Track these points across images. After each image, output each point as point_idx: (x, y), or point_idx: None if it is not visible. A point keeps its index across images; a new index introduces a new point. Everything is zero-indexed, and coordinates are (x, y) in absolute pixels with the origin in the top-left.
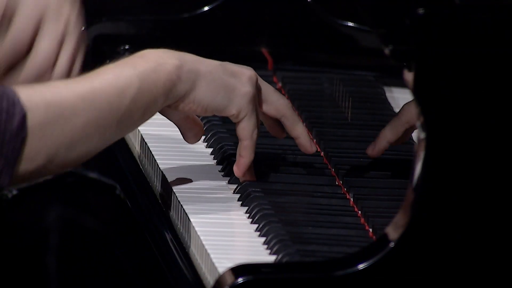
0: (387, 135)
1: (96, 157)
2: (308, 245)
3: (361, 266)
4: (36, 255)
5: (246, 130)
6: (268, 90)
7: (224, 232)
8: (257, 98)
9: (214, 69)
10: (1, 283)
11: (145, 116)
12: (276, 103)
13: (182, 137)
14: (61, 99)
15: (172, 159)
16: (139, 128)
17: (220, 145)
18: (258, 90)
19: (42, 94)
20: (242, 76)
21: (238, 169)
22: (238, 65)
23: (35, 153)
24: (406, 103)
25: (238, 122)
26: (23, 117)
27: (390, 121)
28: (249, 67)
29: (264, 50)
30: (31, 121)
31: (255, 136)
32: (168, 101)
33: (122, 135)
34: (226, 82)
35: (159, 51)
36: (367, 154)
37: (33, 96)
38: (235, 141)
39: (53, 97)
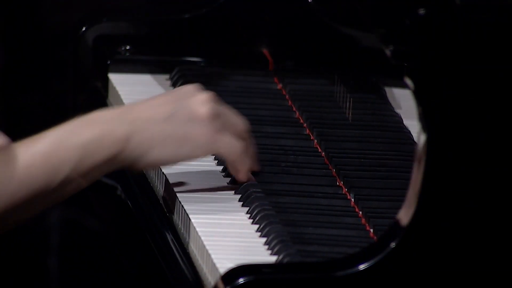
0: None
1: None
2: (309, 245)
3: (362, 267)
4: (37, 254)
5: (231, 155)
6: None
7: (225, 233)
8: (222, 115)
9: (165, 127)
10: (3, 282)
11: (87, 181)
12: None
13: None
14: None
15: None
16: None
17: None
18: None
19: None
20: (196, 115)
21: (242, 178)
22: (191, 99)
23: None
24: None
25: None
26: None
27: None
28: (202, 93)
29: (265, 51)
30: None
31: (240, 150)
32: (113, 167)
33: (62, 199)
34: (180, 135)
35: (111, 114)
36: None
37: None
38: None
39: None
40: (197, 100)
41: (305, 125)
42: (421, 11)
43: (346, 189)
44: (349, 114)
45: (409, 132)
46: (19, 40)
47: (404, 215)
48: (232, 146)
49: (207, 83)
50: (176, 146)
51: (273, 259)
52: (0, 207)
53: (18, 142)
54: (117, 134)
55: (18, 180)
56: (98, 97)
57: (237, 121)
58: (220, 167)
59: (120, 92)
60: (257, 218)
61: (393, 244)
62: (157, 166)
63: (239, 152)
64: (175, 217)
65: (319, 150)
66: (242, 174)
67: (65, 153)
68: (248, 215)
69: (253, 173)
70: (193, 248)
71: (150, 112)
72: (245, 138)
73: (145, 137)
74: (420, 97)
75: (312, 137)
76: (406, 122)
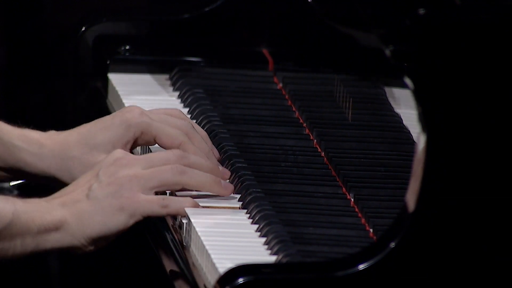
0: None
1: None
2: (308, 245)
3: (361, 267)
4: (38, 255)
5: (162, 207)
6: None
7: (224, 233)
8: (131, 178)
9: (88, 205)
10: (4, 283)
11: (5, 255)
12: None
13: None
14: None
15: None
16: None
17: (221, 145)
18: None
19: None
20: (109, 188)
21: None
22: (101, 170)
23: None
24: None
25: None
26: None
27: None
28: (113, 160)
29: (265, 51)
30: None
31: (160, 201)
32: (46, 246)
33: None
34: (104, 209)
35: (42, 201)
36: None
37: None
38: (236, 141)
39: None
40: (114, 168)
41: (304, 125)
42: (421, 11)
43: (346, 189)
44: (348, 114)
45: (409, 132)
46: (20, 40)
47: (404, 215)
48: (153, 204)
49: (207, 83)
50: (103, 221)
51: (272, 259)
52: None
53: None
54: (52, 212)
55: None
56: (98, 97)
57: (163, 161)
58: (220, 167)
59: (119, 92)
60: (257, 218)
61: (392, 244)
62: (98, 245)
63: (162, 210)
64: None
65: (319, 150)
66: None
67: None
68: (248, 215)
69: (255, 173)
70: (192, 248)
71: (74, 194)
72: (176, 173)
73: (74, 219)
74: (419, 97)
75: (311, 137)
76: (405, 122)
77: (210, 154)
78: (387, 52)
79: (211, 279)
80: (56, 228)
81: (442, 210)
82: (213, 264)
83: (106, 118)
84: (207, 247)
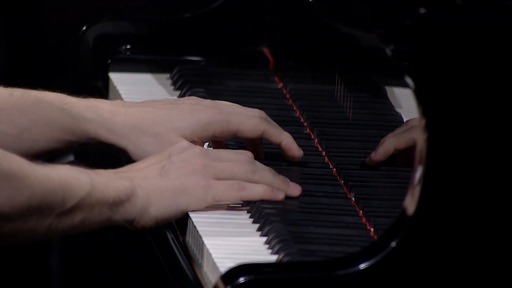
0: (390, 144)
1: (99, 158)
2: (309, 244)
3: (362, 266)
4: (39, 254)
5: (231, 198)
6: (235, 123)
7: (225, 232)
8: (212, 164)
9: (161, 182)
10: (5, 282)
11: (82, 225)
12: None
13: None
14: (23, 174)
15: None
16: None
17: None
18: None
19: (8, 161)
20: (187, 168)
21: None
22: (181, 154)
23: None
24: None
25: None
26: None
27: (394, 131)
28: (192, 148)
29: (266, 50)
30: None
31: (237, 191)
32: (116, 218)
33: (51, 235)
34: (176, 188)
35: (109, 172)
36: (369, 160)
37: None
38: (237, 140)
39: (19, 169)
40: (187, 154)
41: (305, 124)
42: (422, 11)
43: (347, 188)
44: (349, 113)
45: None
46: (20, 40)
47: (405, 215)
48: (228, 189)
49: (208, 83)
50: (173, 199)
51: (273, 258)
52: (15, 207)
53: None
54: (123, 183)
55: (37, 184)
56: (99, 96)
57: (232, 160)
58: None
59: (120, 92)
60: (258, 217)
61: (393, 244)
62: (157, 223)
63: (237, 195)
64: None
65: (320, 149)
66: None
67: (78, 183)
68: (249, 214)
69: None
70: (193, 248)
71: (145, 170)
72: (248, 171)
73: (144, 193)
74: (420, 96)
75: (312, 136)
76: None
77: (288, 136)
78: (388, 51)
79: (212, 278)
80: (128, 199)
81: (443, 209)
82: (214, 264)
83: (183, 107)
84: (207, 246)
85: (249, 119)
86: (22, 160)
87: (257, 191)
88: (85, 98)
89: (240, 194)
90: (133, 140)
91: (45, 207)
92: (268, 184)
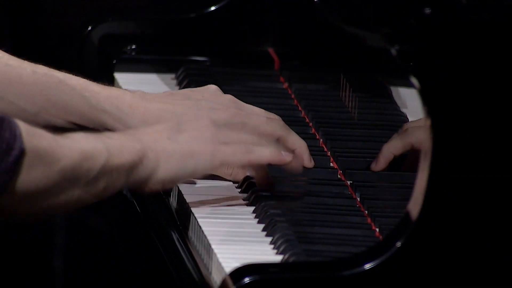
0: (388, 151)
1: None
2: (314, 244)
3: (367, 266)
4: (43, 254)
5: (238, 161)
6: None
7: (230, 232)
8: (223, 128)
9: (170, 145)
10: (9, 281)
11: (105, 191)
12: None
13: None
14: (52, 149)
15: None
16: None
17: None
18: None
19: (39, 138)
20: (197, 133)
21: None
22: (192, 121)
23: (11, 194)
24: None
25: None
26: (21, 153)
27: (392, 137)
28: (203, 117)
29: (271, 50)
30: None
31: (245, 155)
32: (130, 181)
33: (81, 205)
34: (184, 151)
35: (119, 134)
36: (372, 169)
37: (31, 137)
38: None
39: (48, 144)
40: (198, 121)
41: (310, 124)
42: (427, 11)
43: (352, 188)
44: (354, 113)
45: None
46: (24, 39)
47: (410, 215)
48: (235, 152)
49: (213, 83)
50: (181, 162)
51: (278, 258)
52: (49, 182)
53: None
54: (135, 145)
55: (65, 157)
56: None
57: (250, 123)
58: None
59: None
60: (263, 217)
61: (398, 244)
62: (164, 186)
63: (244, 158)
64: (181, 216)
65: (325, 149)
66: (260, 179)
67: (97, 151)
68: (254, 214)
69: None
70: (199, 248)
71: (154, 134)
72: (272, 131)
73: (154, 155)
74: (425, 96)
75: (318, 137)
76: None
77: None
78: (393, 51)
79: (218, 278)
80: (140, 161)
81: (448, 210)
82: (219, 264)
83: (201, 104)
84: (213, 247)
85: (267, 123)
86: (48, 135)
87: (264, 154)
88: (108, 86)
89: (248, 157)
90: None
91: (73, 179)
92: (292, 146)
